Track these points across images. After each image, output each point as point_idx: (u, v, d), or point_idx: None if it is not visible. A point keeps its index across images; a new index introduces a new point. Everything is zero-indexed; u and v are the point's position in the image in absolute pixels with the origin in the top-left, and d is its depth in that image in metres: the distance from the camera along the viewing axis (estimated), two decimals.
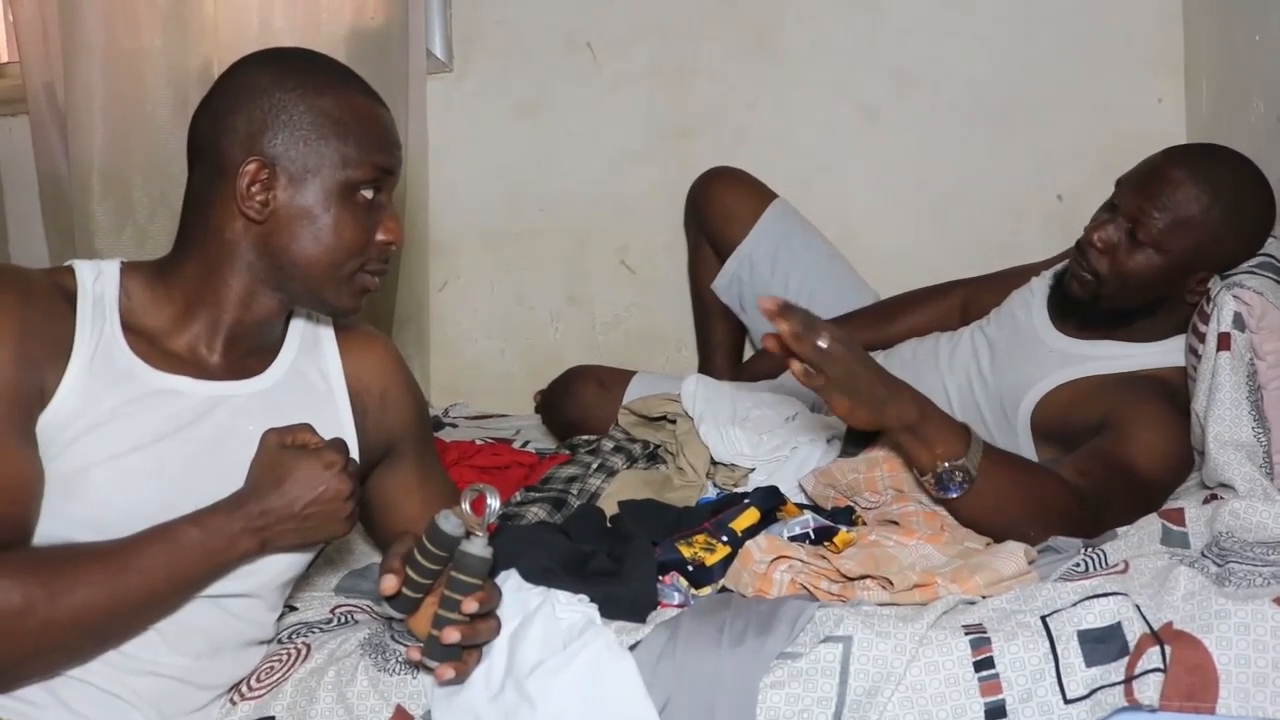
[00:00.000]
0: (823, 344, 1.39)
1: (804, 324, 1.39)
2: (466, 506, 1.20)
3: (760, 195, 2.38)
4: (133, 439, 1.21)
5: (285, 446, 1.23)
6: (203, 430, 1.26)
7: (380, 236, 1.31)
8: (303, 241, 1.27)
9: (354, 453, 1.37)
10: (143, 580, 1.16)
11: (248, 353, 1.33)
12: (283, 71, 1.29)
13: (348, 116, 1.28)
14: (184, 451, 1.24)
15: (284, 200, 1.26)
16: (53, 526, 1.18)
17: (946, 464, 1.46)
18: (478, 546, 1.21)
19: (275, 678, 1.32)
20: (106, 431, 1.20)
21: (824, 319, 1.46)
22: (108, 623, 1.17)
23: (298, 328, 1.39)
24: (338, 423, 1.37)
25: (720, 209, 2.37)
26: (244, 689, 1.32)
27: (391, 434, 1.45)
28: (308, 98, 1.27)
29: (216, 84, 1.31)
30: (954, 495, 1.48)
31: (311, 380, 1.38)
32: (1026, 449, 1.83)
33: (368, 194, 1.29)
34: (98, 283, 1.27)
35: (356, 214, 1.28)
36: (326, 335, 1.42)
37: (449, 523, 1.20)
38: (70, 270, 1.27)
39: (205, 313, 1.29)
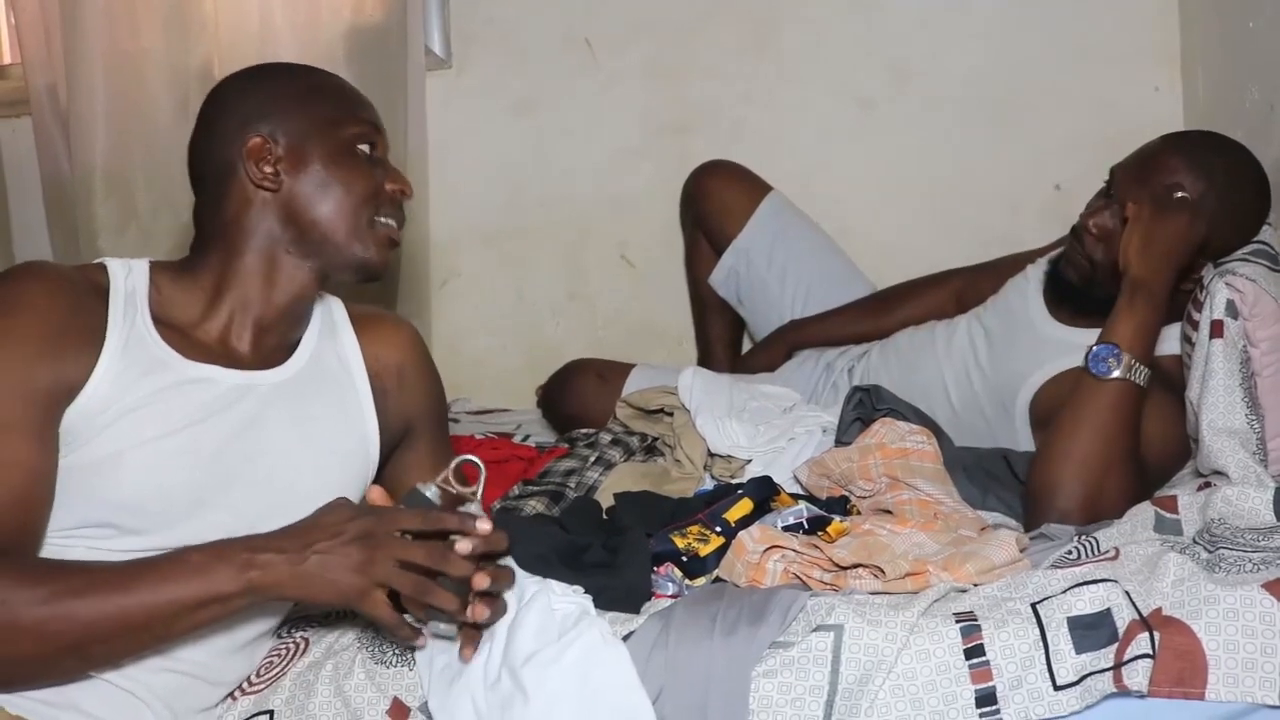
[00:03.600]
0: None
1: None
2: (453, 475, 1.21)
3: (755, 188, 2.38)
4: (166, 424, 1.24)
5: (342, 501, 1.23)
6: (232, 417, 1.29)
7: (389, 186, 1.37)
8: (320, 200, 1.34)
9: (374, 434, 1.41)
10: (128, 599, 1.14)
11: (277, 344, 1.36)
12: (251, 75, 1.41)
13: (317, 86, 1.39)
14: (215, 437, 1.27)
15: (291, 168, 1.34)
16: (88, 510, 1.21)
17: (1118, 347, 1.54)
18: (473, 510, 1.22)
19: (274, 673, 1.33)
20: (140, 416, 1.23)
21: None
22: (86, 636, 1.14)
23: (316, 317, 1.43)
24: (359, 406, 1.41)
25: (715, 203, 2.38)
26: (244, 685, 1.33)
27: (409, 412, 1.47)
28: (281, 83, 1.38)
29: (197, 117, 1.40)
30: (1094, 371, 1.54)
31: (332, 366, 1.41)
32: (1025, 438, 1.83)
33: (365, 149, 1.36)
34: (129, 279, 1.30)
35: (362, 166, 1.36)
36: (342, 321, 1.45)
37: (430, 490, 1.21)
38: (102, 267, 1.31)
39: (231, 297, 1.33)
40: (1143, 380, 1.54)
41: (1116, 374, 1.53)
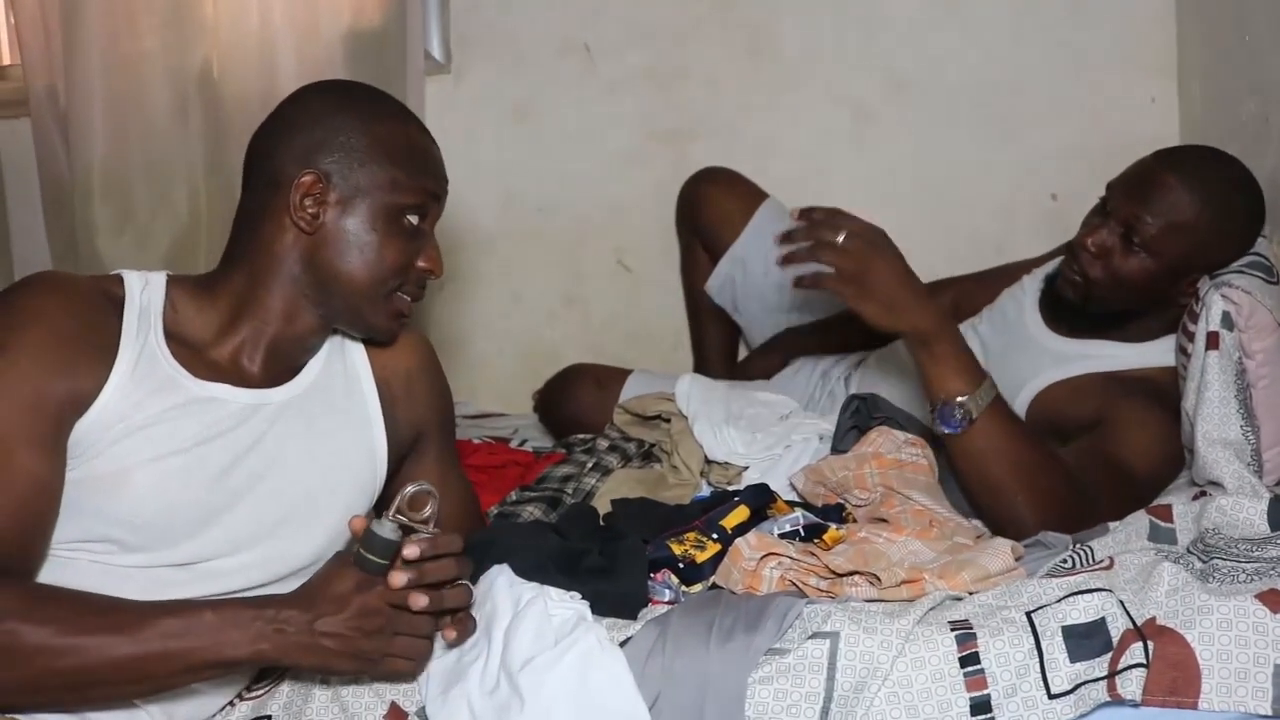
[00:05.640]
0: (840, 239, 1.46)
1: (826, 216, 1.46)
2: (405, 506, 1.21)
3: (752, 195, 2.38)
4: (174, 443, 1.24)
5: (342, 561, 1.22)
6: (241, 436, 1.29)
7: (421, 263, 1.35)
8: (348, 257, 1.31)
9: (382, 444, 1.40)
10: (135, 647, 1.14)
11: (287, 365, 1.36)
12: (342, 98, 1.36)
13: (402, 144, 1.33)
14: (223, 456, 1.27)
15: (334, 216, 1.31)
16: (93, 524, 1.21)
17: (953, 399, 1.51)
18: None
19: (272, 678, 1.33)
20: (149, 434, 1.23)
21: (851, 214, 1.53)
22: (88, 677, 1.14)
23: None
24: (366, 417, 1.40)
25: (712, 210, 2.38)
26: (243, 691, 1.33)
27: (419, 420, 1.47)
28: (365, 123, 1.32)
29: (278, 107, 1.37)
30: (949, 430, 1.52)
31: (340, 378, 1.40)
32: None
33: (413, 219, 1.33)
34: (144, 293, 1.30)
35: (401, 237, 1.33)
36: None
37: (384, 528, 1.20)
38: (119, 279, 1.31)
39: (248, 324, 1.32)
40: (987, 397, 1.53)
41: (970, 419, 1.52)
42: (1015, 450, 1.54)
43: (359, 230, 1.31)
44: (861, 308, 1.52)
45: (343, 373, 1.41)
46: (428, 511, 1.21)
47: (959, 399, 1.52)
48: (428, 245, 1.36)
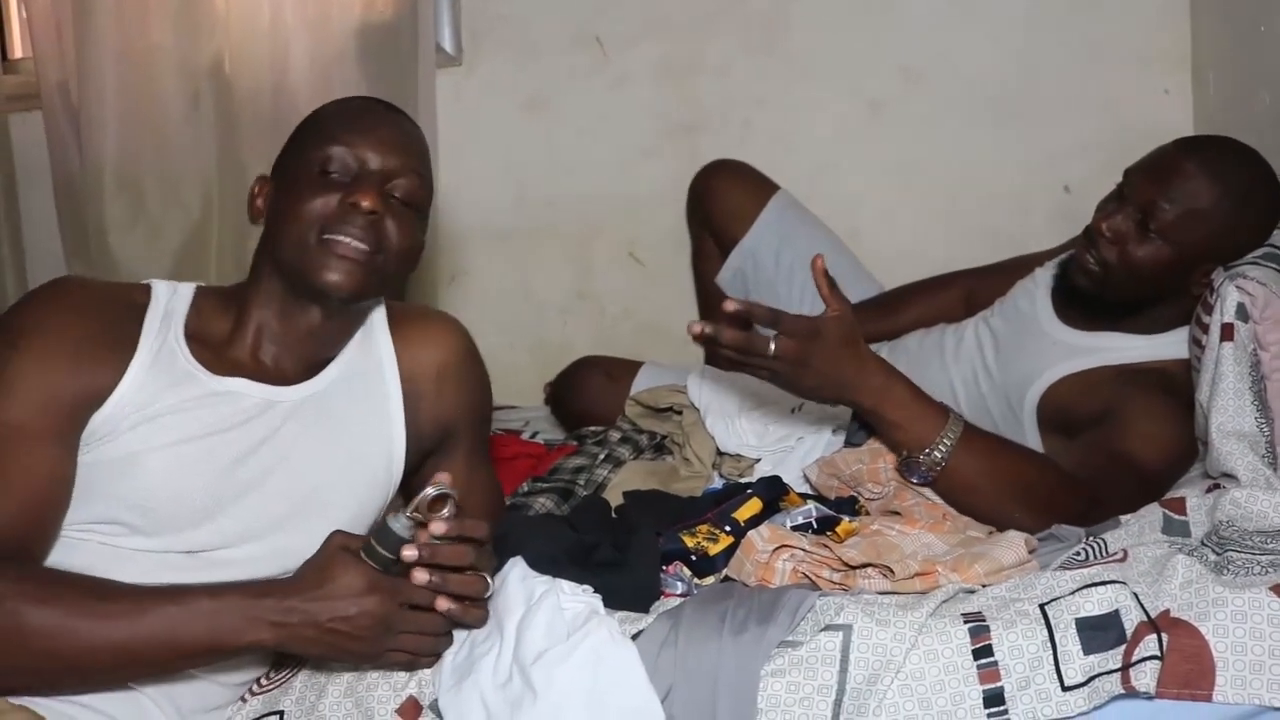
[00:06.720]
0: (771, 349, 1.49)
1: (750, 343, 1.51)
2: (424, 507, 1.21)
3: (763, 188, 2.38)
4: (187, 431, 1.26)
5: (347, 549, 1.22)
6: (254, 429, 1.30)
7: (347, 199, 1.29)
8: (279, 228, 1.33)
9: (400, 442, 1.41)
10: (132, 632, 1.15)
11: (305, 362, 1.37)
12: (321, 108, 1.41)
13: (333, 114, 1.38)
14: (234, 448, 1.29)
15: (273, 199, 1.36)
16: (104, 507, 1.23)
17: (915, 454, 1.52)
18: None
19: (284, 673, 1.33)
20: (163, 423, 1.26)
21: (779, 312, 1.53)
22: (85, 660, 1.16)
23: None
24: (387, 413, 1.41)
25: (723, 203, 2.37)
26: (254, 686, 1.34)
27: (447, 418, 1.47)
28: (319, 116, 1.38)
29: None
30: (918, 481, 1.53)
31: (364, 375, 1.41)
32: (1033, 440, 1.83)
33: (327, 170, 1.31)
34: (172, 300, 1.34)
35: (314, 186, 1.31)
36: (380, 324, 1.45)
37: (399, 523, 1.20)
38: (147, 287, 1.35)
39: (253, 321, 1.36)
40: (953, 435, 1.53)
41: (937, 468, 1.52)
42: (998, 472, 1.54)
43: (280, 201, 1.34)
44: (809, 397, 1.58)
45: (366, 369, 1.41)
46: (445, 513, 1.21)
47: (922, 454, 1.52)
48: (360, 185, 1.30)
